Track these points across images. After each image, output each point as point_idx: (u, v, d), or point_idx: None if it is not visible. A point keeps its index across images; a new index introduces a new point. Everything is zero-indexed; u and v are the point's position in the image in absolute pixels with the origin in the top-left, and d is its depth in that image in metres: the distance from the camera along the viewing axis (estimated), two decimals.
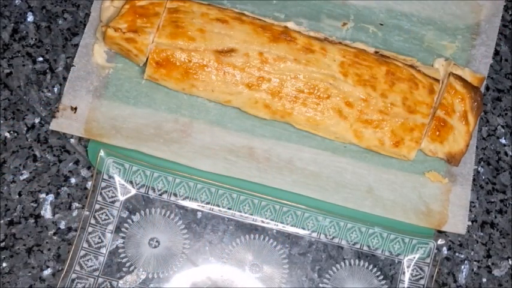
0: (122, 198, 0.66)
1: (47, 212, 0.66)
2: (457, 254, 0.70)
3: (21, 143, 0.67)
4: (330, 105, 0.67)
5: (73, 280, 0.64)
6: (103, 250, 0.65)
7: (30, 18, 0.70)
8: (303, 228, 0.68)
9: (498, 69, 0.75)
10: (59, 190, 0.66)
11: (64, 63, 0.69)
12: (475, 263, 0.70)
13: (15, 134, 0.67)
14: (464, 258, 0.70)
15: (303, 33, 0.68)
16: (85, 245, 0.65)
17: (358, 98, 0.67)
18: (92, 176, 0.67)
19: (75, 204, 0.66)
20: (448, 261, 0.70)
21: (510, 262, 0.70)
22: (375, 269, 0.68)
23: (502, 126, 0.74)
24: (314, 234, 0.68)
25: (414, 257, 0.68)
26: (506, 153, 0.73)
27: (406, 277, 0.68)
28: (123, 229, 0.66)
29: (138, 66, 0.69)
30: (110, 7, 0.68)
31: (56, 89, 0.68)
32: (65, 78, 0.68)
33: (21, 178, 0.66)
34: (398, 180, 0.70)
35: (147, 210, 0.67)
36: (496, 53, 0.75)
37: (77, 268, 0.64)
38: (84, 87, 0.68)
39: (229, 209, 0.67)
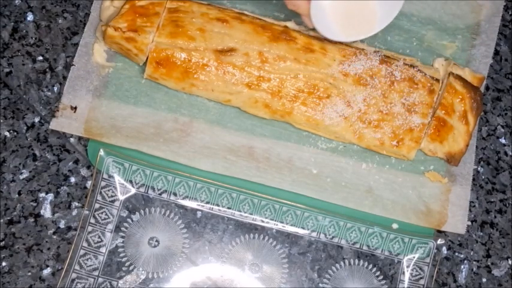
0: (121, 197, 0.66)
1: (46, 211, 0.66)
2: (456, 253, 0.70)
3: (21, 142, 0.67)
4: (330, 104, 0.67)
5: (73, 280, 0.64)
6: (103, 249, 0.65)
7: (30, 17, 0.69)
8: (303, 228, 0.68)
9: (498, 69, 0.75)
10: (58, 189, 0.66)
11: (64, 62, 0.69)
12: (474, 262, 0.70)
13: (15, 133, 0.67)
14: (464, 258, 0.70)
15: (303, 33, 0.68)
16: (85, 244, 0.65)
17: (358, 97, 0.67)
18: (91, 175, 0.67)
19: (75, 204, 0.66)
20: (447, 261, 0.70)
21: (510, 262, 0.70)
22: (375, 269, 0.68)
23: (502, 126, 0.74)
24: (314, 234, 0.68)
25: (414, 257, 0.68)
26: (506, 153, 0.73)
27: (406, 277, 0.68)
28: (122, 228, 0.66)
29: (138, 65, 0.69)
30: (110, 7, 0.68)
31: (55, 88, 0.68)
32: (64, 78, 0.68)
33: (21, 177, 0.66)
34: (398, 180, 0.70)
35: (147, 209, 0.67)
36: (496, 52, 0.75)
37: (77, 267, 0.64)
38: (84, 86, 0.68)
39: (228, 208, 0.67)
